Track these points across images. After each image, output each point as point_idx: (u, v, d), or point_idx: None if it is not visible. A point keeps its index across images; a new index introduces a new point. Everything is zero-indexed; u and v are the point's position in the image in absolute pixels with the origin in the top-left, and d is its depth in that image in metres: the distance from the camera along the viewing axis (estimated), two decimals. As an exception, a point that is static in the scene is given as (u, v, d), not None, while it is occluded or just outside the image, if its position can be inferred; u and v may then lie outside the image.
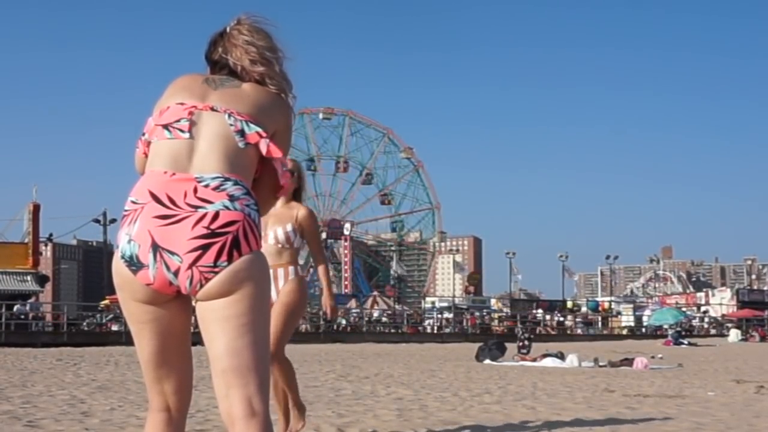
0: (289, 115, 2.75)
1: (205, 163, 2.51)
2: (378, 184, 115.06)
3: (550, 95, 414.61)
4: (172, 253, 2.43)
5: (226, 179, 2.48)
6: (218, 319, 2.45)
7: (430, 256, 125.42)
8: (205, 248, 2.41)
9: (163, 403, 2.67)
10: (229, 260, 2.42)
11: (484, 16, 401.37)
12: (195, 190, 2.46)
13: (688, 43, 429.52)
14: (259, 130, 2.59)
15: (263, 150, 2.60)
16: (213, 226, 2.42)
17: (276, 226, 5.22)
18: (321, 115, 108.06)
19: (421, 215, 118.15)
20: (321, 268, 5.43)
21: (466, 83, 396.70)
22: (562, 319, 52.31)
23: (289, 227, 5.23)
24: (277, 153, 2.62)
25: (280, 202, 5.21)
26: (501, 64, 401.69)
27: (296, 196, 5.41)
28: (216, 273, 2.42)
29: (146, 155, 2.63)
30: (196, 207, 2.43)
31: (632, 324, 55.56)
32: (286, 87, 2.76)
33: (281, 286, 5.23)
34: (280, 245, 5.23)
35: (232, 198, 2.45)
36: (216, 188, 2.46)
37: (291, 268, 5.27)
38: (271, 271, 5.12)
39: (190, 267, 2.42)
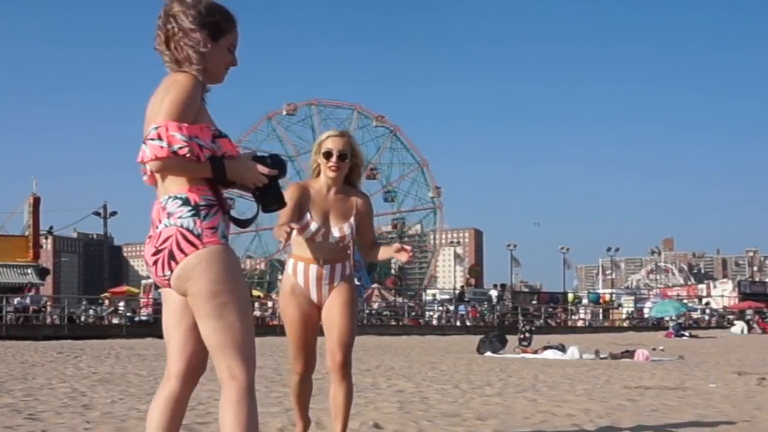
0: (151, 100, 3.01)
1: (162, 189, 3.01)
2: (381, 180, 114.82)
3: (552, 89, 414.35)
4: (149, 265, 3.04)
5: (169, 198, 2.95)
6: (194, 312, 3.00)
7: (430, 254, 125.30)
8: (155, 263, 2.97)
9: (178, 369, 3.11)
10: (171, 270, 2.94)
11: (486, 11, 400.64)
12: (158, 214, 2.98)
13: (689, 37, 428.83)
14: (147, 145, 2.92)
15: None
16: (157, 244, 2.96)
17: (338, 224, 4.56)
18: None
19: (423, 214, 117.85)
20: (381, 247, 4.70)
21: (467, 77, 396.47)
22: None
23: (349, 224, 4.59)
24: (144, 155, 2.88)
25: (332, 191, 4.58)
26: (502, 58, 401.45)
27: (349, 179, 4.67)
28: (168, 281, 2.98)
29: None
30: (156, 227, 2.97)
31: (633, 316, 55.52)
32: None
33: (337, 283, 4.61)
34: (341, 244, 4.60)
35: (169, 215, 2.94)
36: (163, 209, 2.96)
37: (347, 263, 4.70)
38: (328, 267, 4.55)
39: (156, 276, 3.01)
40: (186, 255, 2.90)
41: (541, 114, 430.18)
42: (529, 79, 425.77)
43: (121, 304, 38.67)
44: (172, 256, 2.91)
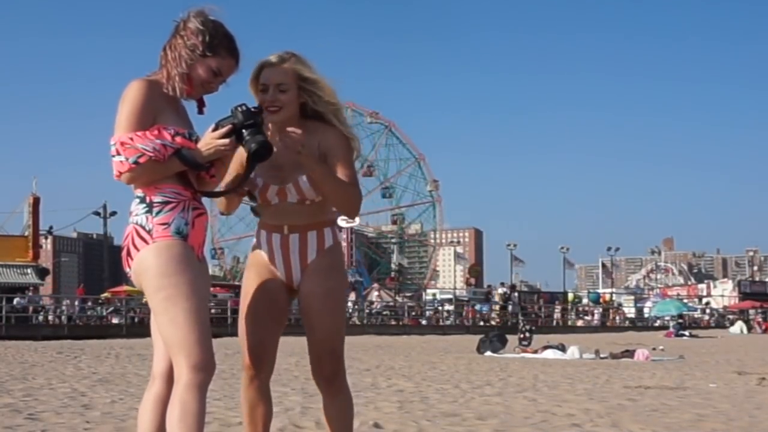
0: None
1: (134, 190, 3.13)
2: (379, 177, 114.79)
3: (552, 86, 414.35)
4: None
5: (133, 198, 3.09)
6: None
7: (431, 249, 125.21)
8: (122, 260, 3.10)
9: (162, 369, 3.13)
10: (130, 266, 3.07)
11: (485, 4, 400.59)
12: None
13: (688, 32, 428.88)
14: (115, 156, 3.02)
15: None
16: (123, 242, 3.11)
17: (293, 178, 3.32)
18: None
19: (422, 208, 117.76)
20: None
21: (467, 73, 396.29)
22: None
23: (307, 176, 3.30)
24: (118, 169, 3.00)
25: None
26: (501, 54, 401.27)
27: (308, 111, 3.37)
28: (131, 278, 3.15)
29: None
30: None
31: (633, 316, 55.56)
32: None
33: (311, 258, 3.38)
34: (308, 201, 3.33)
35: (130, 214, 3.09)
36: (130, 209, 3.10)
37: (327, 231, 3.42)
38: (296, 237, 3.37)
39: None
40: (139, 251, 3.02)
41: (541, 113, 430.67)
42: (529, 77, 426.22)
43: (86, 301, 38.85)
44: (128, 253, 3.06)
